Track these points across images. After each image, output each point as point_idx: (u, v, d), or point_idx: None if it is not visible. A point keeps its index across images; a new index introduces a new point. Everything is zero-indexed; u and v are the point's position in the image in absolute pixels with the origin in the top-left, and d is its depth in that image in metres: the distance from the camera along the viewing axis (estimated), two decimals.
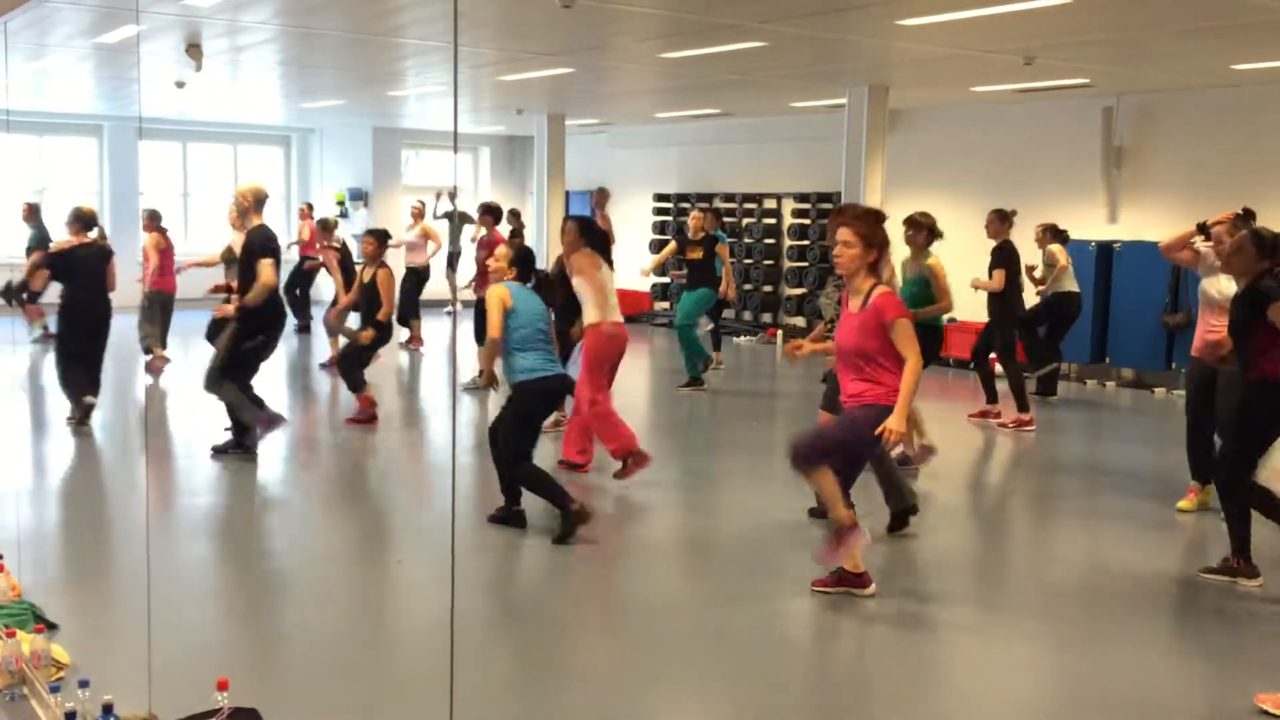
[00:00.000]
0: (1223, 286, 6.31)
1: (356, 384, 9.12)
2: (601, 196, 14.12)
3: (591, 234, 7.62)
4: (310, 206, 16.31)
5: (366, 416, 9.03)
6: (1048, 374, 10.76)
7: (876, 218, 5.06)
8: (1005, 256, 9.55)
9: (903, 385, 4.87)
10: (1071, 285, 10.49)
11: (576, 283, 7.41)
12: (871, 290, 4.97)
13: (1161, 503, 7.12)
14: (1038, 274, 10.62)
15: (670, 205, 17.89)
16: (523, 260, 6.35)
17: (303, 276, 14.53)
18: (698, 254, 11.04)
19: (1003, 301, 9.64)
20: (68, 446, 8.44)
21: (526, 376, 6.07)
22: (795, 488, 7.69)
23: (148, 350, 11.25)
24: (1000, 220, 9.59)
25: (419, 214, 14.31)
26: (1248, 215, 6.64)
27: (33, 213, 13.30)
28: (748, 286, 16.50)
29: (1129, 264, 11.60)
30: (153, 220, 11.45)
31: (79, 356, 8.70)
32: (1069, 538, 6.77)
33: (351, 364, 9.18)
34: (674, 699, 4.36)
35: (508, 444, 6.13)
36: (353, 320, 9.61)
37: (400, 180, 19.79)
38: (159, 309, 11.22)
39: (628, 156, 18.84)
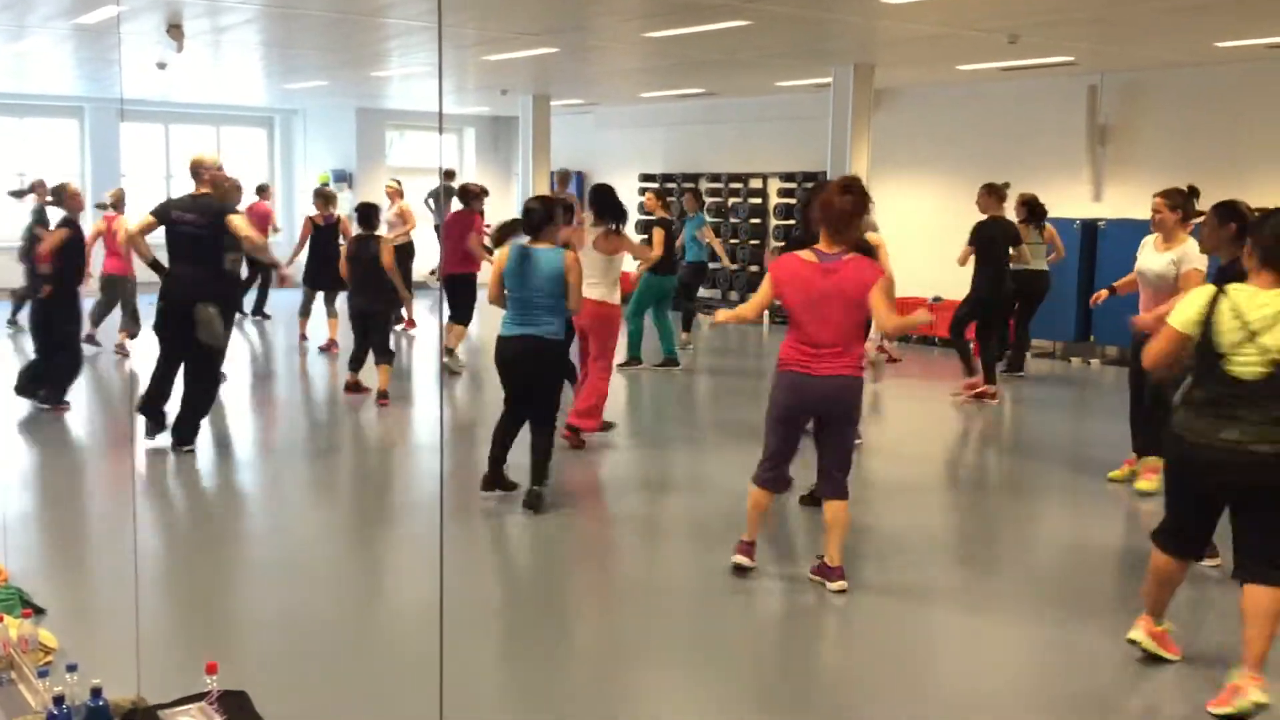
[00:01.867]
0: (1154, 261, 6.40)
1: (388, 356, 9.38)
2: (563, 177, 14.08)
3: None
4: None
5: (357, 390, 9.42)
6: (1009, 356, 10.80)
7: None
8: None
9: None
10: (1040, 264, 10.55)
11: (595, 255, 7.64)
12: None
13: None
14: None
15: (656, 186, 17.86)
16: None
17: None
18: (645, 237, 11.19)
19: (993, 277, 9.70)
20: (53, 431, 8.42)
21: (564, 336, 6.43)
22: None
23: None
24: (989, 194, 9.64)
25: (395, 193, 14.17)
26: (1191, 193, 6.69)
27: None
28: (733, 266, 16.50)
29: (1113, 241, 11.62)
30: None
31: None
32: (1042, 515, 6.81)
33: (383, 343, 9.35)
34: (662, 680, 4.38)
35: (556, 403, 6.37)
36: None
37: (384, 161, 19.69)
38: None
39: (613, 137, 18.79)
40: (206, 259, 7.24)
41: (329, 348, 11.96)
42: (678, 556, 5.89)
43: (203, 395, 7.57)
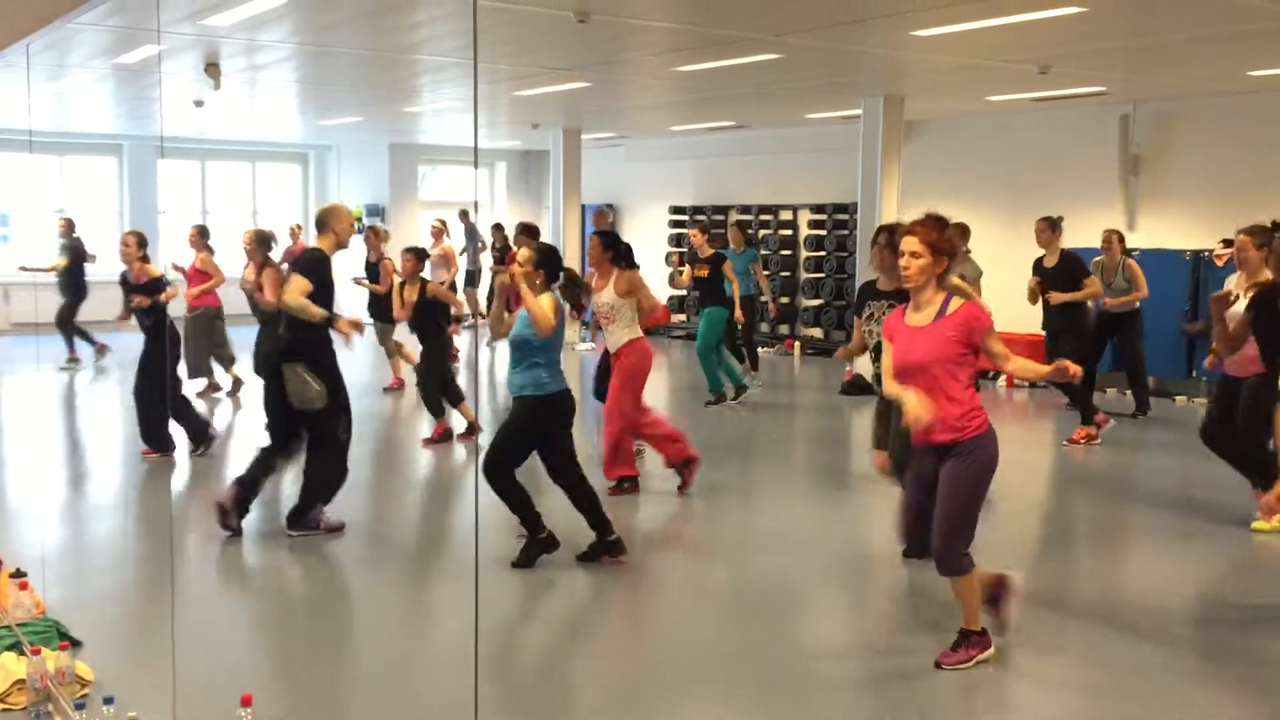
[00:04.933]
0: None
1: (436, 409, 8.99)
2: (600, 217, 14.15)
3: (618, 249, 7.53)
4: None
5: (441, 437, 9.06)
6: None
7: (941, 223, 4.69)
8: (1082, 264, 9.40)
9: (1027, 364, 4.69)
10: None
11: (613, 298, 7.37)
12: (947, 301, 4.57)
13: (1187, 514, 7.08)
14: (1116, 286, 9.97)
15: (686, 218, 17.91)
16: (548, 261, 5.97)
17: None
18: (703, 272, 11.12)
19: (1081, 312, 9.47)
20: (92, 465, 8.50)
21: (557, 388, 5.93)
22: (816, 505, 7.69)
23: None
24: (1050, 228, 9.41)
25: (439, 233, 14.15)
26: (1276, 228, 6.55)
27: (69, 228, 13.25)
28: (763, 298, 16.46)
29: (1148, 272, 11.46)
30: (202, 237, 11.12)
31: None
32: (1102, 558, 6.73)
33: (432, 388, 9.02)
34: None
35: (503, 453, 5.87)
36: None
37: (417, 196, 19.87)
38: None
39: (644, 169, 18.88)
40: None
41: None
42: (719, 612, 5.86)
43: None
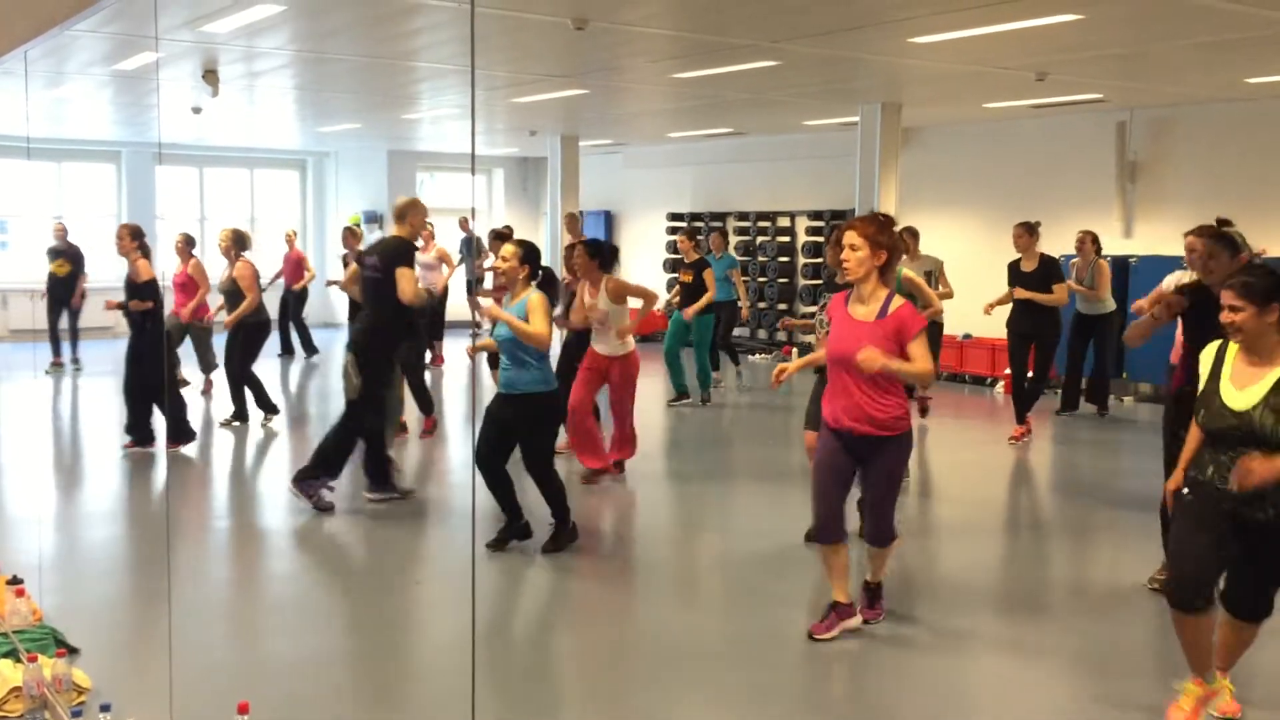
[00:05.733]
0: None
1: (427, 405, 9.50)
2: (571, 222, 14.07)
3: (603, 256, 7.73)
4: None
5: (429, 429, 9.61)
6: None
7: (884, 220, 4.84)
8: (1060, 270, 9.47)
9: (906, 365, 4.63)
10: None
11: (608, 304, 7.54)
12: (889, 299, 4.74)
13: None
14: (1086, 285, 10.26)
15: (684, 225, 17.92)
16: (532, 257, 6.19)
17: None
18: (688, 277, 11.28)
19: (1052, 317, 9.51)
20: (88, 471, 8.48)
21: (550, 388, 6.16)
22: (799, 497, 7.70)
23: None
24: (1029, 233, 9.46)
25: (429, 237, 14.09)
26: (1222, 224, 6.61)
27: (64, 233, 13.42)
28: (762, 304, 16.51)
29: (1145, 278, 11.52)
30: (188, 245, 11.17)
31: None
32: (1080, 556, 6.73)
33: (416, 386, 9.38)
34: None
35: (541, 453, 6.19)
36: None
37: None
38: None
39: (641, 176, 18.89)
40: (377, 304, 7.03)
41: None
42: (705, 597, 5.85)
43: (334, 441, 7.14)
